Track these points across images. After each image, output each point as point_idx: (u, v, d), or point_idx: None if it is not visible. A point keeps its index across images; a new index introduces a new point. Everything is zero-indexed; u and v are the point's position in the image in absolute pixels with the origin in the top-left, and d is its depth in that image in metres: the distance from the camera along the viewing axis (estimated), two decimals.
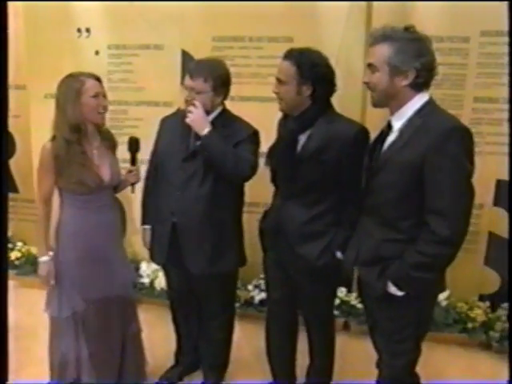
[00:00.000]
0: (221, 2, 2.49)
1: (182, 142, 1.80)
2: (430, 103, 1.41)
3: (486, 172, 2.28)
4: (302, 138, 1.67)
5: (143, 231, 2.01)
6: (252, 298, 2.67)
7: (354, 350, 2.29)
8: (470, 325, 2.45)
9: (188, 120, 1.72)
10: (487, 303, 2.50)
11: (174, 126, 1.86)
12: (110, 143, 1.84)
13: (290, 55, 1.63)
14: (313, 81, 1.60)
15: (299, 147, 1.67)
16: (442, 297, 2.48)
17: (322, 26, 2.46)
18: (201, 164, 1.77)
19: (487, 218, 2.45)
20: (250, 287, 2.70)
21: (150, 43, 2.69)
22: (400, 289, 1.40)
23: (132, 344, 1.94)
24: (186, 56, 2.56)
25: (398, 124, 1.43)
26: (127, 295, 1.90)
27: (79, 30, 2.77)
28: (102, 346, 1.83)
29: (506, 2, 2.02)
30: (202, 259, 1.84)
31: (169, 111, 2.15)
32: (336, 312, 2.59)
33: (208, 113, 1.78)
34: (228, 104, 2.52)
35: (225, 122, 1.81)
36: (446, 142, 1.30)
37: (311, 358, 1.98)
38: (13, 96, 3.06)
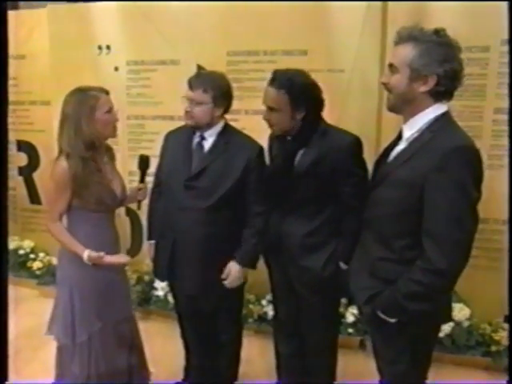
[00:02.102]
0: (235, 15, 2.53)
1: (185, 159, 1.79)
2: (445, 116, 1.30)
3: (509, 186, 2.18)
4: (298, 154, 1.69)
5: (149, 246, 2.01)
6: (265, 313, 2.64)
7: (370, 368, 2.21)
8: (493, 348, 2.33)
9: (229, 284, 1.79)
10: None
11: (179, 142, 1.86)
12: (111, 156, 1.83)
13: (278, 82, 1.60)
14: (306, 105, 1.62)
15: (295, 162, 1.68)
16: (463, 317, 2.37)
17: (337, 38, 2.44)
18: (203, 184, 1.75)
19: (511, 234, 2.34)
20: (263, 302, 2.67)
21: (166, 59, 2.75)
22: (390, 317, 1.32)
23: (135, 359, 1.92)
24: (201, 71, 2.59)
25: (408, 133, 1.33)
26: (131, 311, 1.90)
27: (100, 48, 2.87)
28: (109, 364, 1.78)
29: (506, 2, 1.95)
30: (195, 280, 1.82)
31: None
32: (351, 330, 2.53)
33: (208, 125, 1.78)
34: (242, 118, 2.56)
35: (227, 138, 1.80)
36: (450, 162, 1.19)
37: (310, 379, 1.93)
38: (38, 111, 3.22)
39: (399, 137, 1.40)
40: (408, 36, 1.28)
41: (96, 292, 1.72)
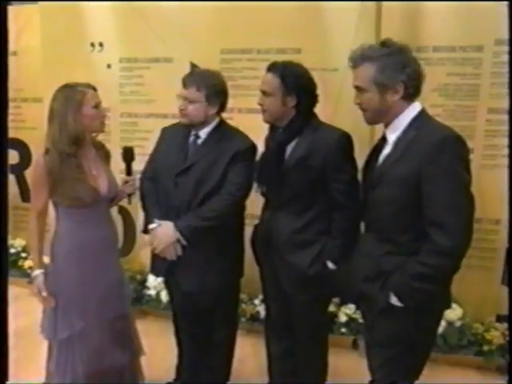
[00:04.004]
0: (229, 13, 2.52)
1: (178, 156, 1.79)
2: (422, 114, 1.39)
3: (503, 186, 2.19)
4: (289, 148, 1.70)
5: (151, 232, 1.82)
6: (258, 312, 2.63)
7: (362, 368, 2.21)
8: (486, 347, 2.33)
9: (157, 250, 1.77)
10: (505, 325, 2.36)
11: (174, 139, 1.86)
12: (104, 154, 1.83)
13: (273, 68, 1.67)
14: (297, 92, 1.64)
15: (286, 156, 1.69)
16: (455, 317, 2.38)
17: (330, 37, 2.44)
18: (193, 180, 1.75)
19: (504, 234, 2.34)
20: (256, 301, 2.66)
21: (159, 56, 2.73)
22: (401, 300, 1.37)
23: (131, 363, 1.90)
24: (194, 68, 2.57)
25: (392, 137, 1.41)
26: (124, 311, 1.86)
27: (92, 45, 2.85)
28: (98, 365, 1.77)
29: (505, 2, 1.95)
30: (192, 276, 1.81)
31: None
32: (344, 330, 2.53)
33: (203, 123, 1.78)
34: (236, 116, 2.55)
35: (220, 135, 1.80)
36: (439, 153, 1.28)
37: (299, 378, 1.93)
38: (30, 108, 3.19)
39: (383, 139, 1.47)
40: (361, 57, 1.38)
41: (78, 289, 1.72)
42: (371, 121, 1.45)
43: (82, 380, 1.75)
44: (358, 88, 1.41)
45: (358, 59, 1.38)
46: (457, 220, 1.28)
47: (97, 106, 1.68)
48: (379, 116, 1.41)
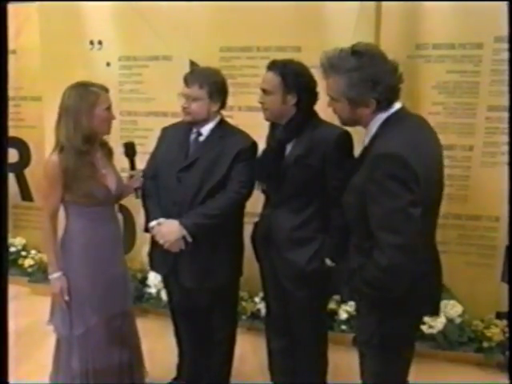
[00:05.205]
0: (228, 11, 2.52)
1: (179, 152, 1.80)
2: (389, 120, 1.32)
3: (503, 183, 2.19)
4: (289, 146, 1.71)
5: (151, 230, 1.82)
6: (259, 310, 2.63)
7: None
8: (485, 344, 2.33)
9: (165, 245, 1.75)
10: (505, 321, 2.37)
11: (175, 137, 1.87)
12: (107, 152, 1.83)
13: (273, 66, 1.68)
14: (297, 90, 1.65)
15: (286, 154, 1.70)
16: (455, 314, 2.38)
17: (330, 35, 2.43)
18: (196, 176, 1.76)
19: (504, 231, 2.34)
20: (256, 299, 2.67)
21: (159, 54, 2.73)
22: (358, 297, 1.41)
23: (133, 355, 1.90)
24: (194, 66, 2.57)
25: (366, 140, 1.39)
26: (128, 307, 1.88)
27: (91, 43, 2.84)
28: (105, 359, 1.78)
29: (505, 2, 1.95)
30: (194, 273, 1.82)
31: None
32: (344, 327, 2.53)
33: (205, 121, 1.80)
34: (236, 114, 2.55)
35: (222, 133, 1.81)
36: (375, 170, 1.24)
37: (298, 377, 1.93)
38: (29, 107, 3.18)
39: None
40: (330, 68, 1.32)
41: (92, 286, 1.73)
42: (344, 124, 1.46)
43: (99, 376, 1.76)
44: (330, 96, 1.38)
45: (327, 69, 1.33)
46: (390, 239, 1.22)
47: (108, 108, 1.69)
48: (352, 123, 1.41)
